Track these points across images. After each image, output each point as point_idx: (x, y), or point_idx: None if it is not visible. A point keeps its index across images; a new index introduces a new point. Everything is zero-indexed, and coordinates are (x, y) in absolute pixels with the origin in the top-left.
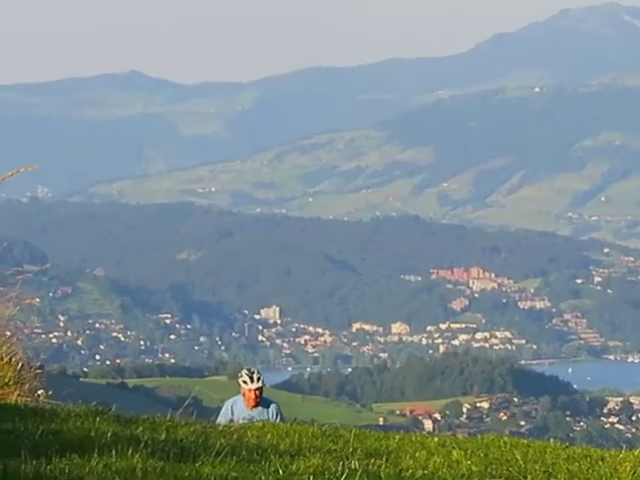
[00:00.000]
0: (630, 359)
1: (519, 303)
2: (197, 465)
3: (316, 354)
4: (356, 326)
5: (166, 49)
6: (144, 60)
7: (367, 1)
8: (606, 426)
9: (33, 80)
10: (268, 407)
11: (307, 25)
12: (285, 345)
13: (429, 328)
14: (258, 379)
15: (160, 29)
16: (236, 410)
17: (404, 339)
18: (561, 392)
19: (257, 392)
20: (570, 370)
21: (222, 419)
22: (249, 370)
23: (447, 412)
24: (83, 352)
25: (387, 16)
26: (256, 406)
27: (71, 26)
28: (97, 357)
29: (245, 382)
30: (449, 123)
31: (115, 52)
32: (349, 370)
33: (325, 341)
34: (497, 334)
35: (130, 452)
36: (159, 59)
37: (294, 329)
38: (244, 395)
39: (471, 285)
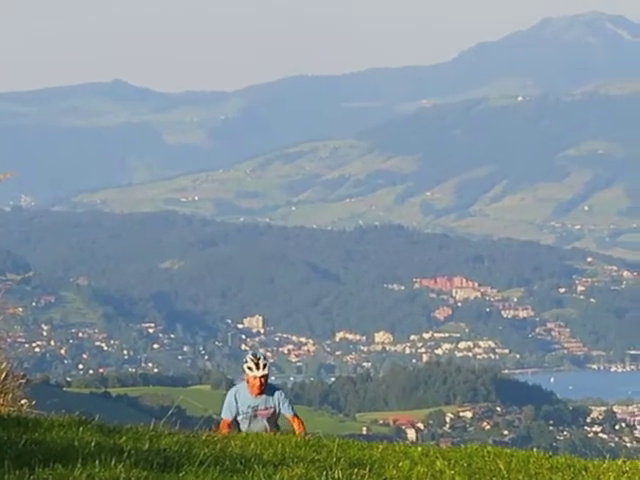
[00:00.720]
0: (613, 368)
1: (502, 312)
2: (180, 475)
3: (299, 363)
4: (339, 335)
5: (150, 58)
6: (128, 69)
7: (351, 10)
8: (589, 435)
9: (17, 89)
10: (273, 394)
11: (291, 34)
12: (268, 354)
13: (412, 337)
14: (264, 366)
15: (144, 38)
16: (240, 399)
17: (387, 348)
18: (544, 401)
19: (262, 379)
20: (552, 379)
21: (227, 411)
22: (254, 356)
23: (430, 422)
24: (66, 361)
25: (371, 25)
26: (260, 394)
27: (55, 34)
28: (80, 366)
29: (250, 369)
30: (432, 132)
31: (99, 61)
32: (332, 379)
33: (308, 350)
34: (480, 343)
35: (113, 462)
36: (143, 68)
37: (277, 338)
38: (248, 382)
39: (454, 294)
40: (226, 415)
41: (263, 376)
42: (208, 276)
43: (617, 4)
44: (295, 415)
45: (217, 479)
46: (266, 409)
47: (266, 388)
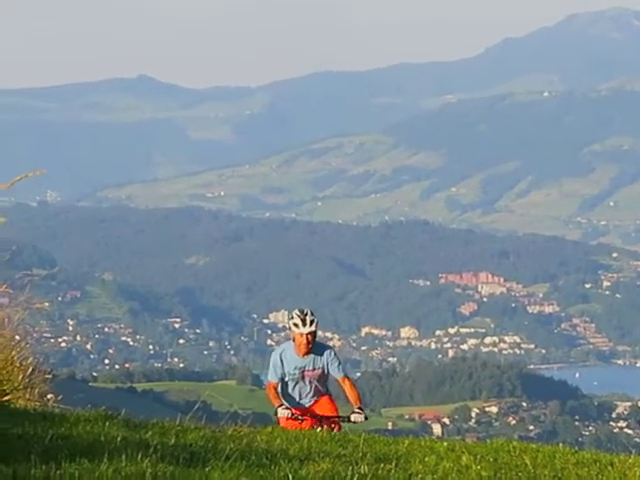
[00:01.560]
0: (639, 364)
1: (528, 308)
2: (207, 470)
3: None
4: (365, 330)
5: (175, 54)
6: (153, 65)
7: (376, 6)
8: (615, 431)
9: (43, 84)
10: (322, 354)
11: (316, 29)
12: None
13: (438, 332)
14: (312, 322)
15: (169, 34)
16: (285, 359)
17: (413, 344)
18: (570, 397)
19: (309, 337)
20: (577, 374)
21: (273, 372)
22: (301, 311)
23: (456, 417)
24: (92, 356)
25: (396, 20)
26: (308, 353)
27: (81, 30)
28: (106, 361)
29: (296, 325)
30: (458, 127)
31: (124, 57)
32: (358, 374)
33: (334, 345)
34: (506, 339)
35: (140, 457)
36: (168, 64)
37: None
38: (294, 340)
39: (480, 290)
40: (272, 377)
41: (310, 333)
42: (234, 271)
43: None
44: (345, 376)
45: (243, 474)
46: (314, 370)
47: (314, 347)
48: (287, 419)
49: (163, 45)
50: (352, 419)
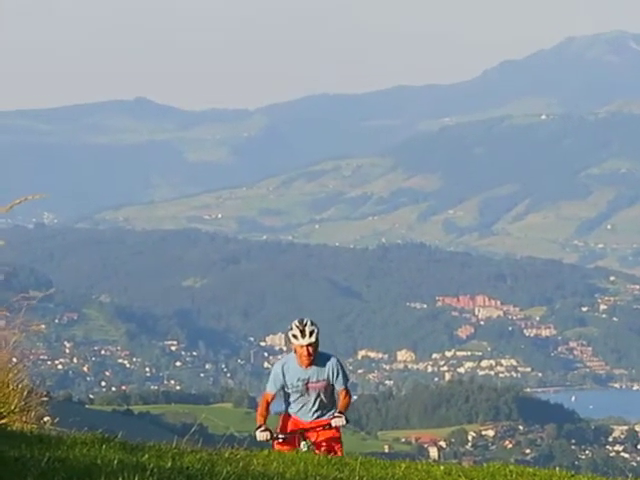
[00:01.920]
0: (635, 387)
1: (525, 331)
2: None
3: None
4: (362, 353)
5: (173, 76)
6: (151, 87)
7: (374, 28)
8: (611, 454)
9: (40, 106)
10: (325, 364)
11: (314, 52)
12: None
13: (435, 356)
14: (311, 333)
15: (167, 55)
16: (288, 372)
17: (410, 367)
18: (566, 420)
19: (310, 349)
20: (573, 398)
21: (272, 384)
22: (300, 322)
23: (452, 440)
24: (89, 379)
25: (393, 43)
26: (311, 364)
27: (78, 52)
28: (103, 384)
29: (295, 337)
30: (455, 150)
31: (122, 79)
32: (354, 397)
33: None
34: (503, 362)
35: None
36: (165, 86)
37: None
38: (296, 352)
39: (477, 313)
40: (270, 388)
41: (310, 344)
42: (231, 294)
43: None
44: (345, 388)
45: None
46: (318, 381)
47: (317, 358)
48: (267, 441)
49: (160, 67)
50: (333, 424)
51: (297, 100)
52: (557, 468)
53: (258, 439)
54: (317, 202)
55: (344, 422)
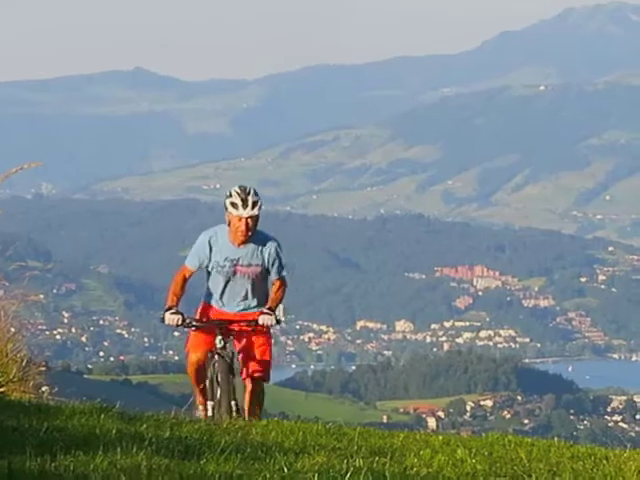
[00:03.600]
0: (634, 358)
1: (523, 301)
2: (202, 463)
3: (320, 352)
4: (360, 324)
5: (171, 46)
6: (149, 57)
7: None
8: (610, 424)
9: (38, 77)
10: (263, 245)
11: (313, 22)
12: (289, 342)
13: (433, 326)
14: (254, 204)
15: (165, 26)
16: (216, 246)
17: (408, 337)
18: (565, 390)
19: (249, 222)
20: (570, 368)
21: (194, 257)
22: (242, 189)
23: (451, 410)
24: (87, 349)
25: (393, 14)
26: (245, 243)
27: (75, 22)
28: (101, 354)
29: (234, 205)
30: (455, 121)
31: (120, 49)
32: (353, 368)
33: (329, 338)
34: (501, 332)
35: (135, 449)
36: (164, 56)
37: (298, 326)
38: (230, 225)
39: (475, 283)
40: (191, 262)
41: (251, 217)
42: None
43: None
44: (280, 278)
45: (238, 467)
46: (250, 265)
47: (255, 236)
48: (177, 326)
49: (159, 37)
50: (260, 322)
51: (296, 70)
52: (555, 438)
53: (166, 322)
54: (315, 173)
55: (273, 322)
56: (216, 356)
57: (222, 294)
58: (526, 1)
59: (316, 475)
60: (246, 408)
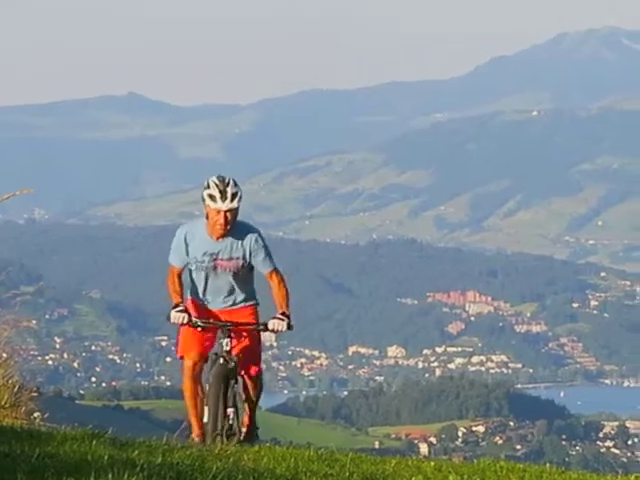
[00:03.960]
0: (626, 383)
1: (515, 327)
2: None
3: (312, 377)
4: (352, 349)
5: (165, 72)
6: (143, 82)
7: (366, 24)
8: (602, 450)
9: (32, 102)
10: (244, 237)
11: (306, 47)
12: (281, 368)
13: (425, 351)
14: (233, 196)
15: (158, 50)
16: (193, 242)
17: (400, 362)
18: (557, 416)
19: (228, 215)
20: (562, 394)
21: (175, 255)
22: (220, 180)
23: (443, 436)
24: (79, 374)
25: (386, 39)
26: (224, 236)
27: (69, 47)
28: (93, 379)
29: (212, 197)
30: (447, 146)
31: (113, 74)
32: (345, 393)
33: (321, 364)
34: (493, 358)
35: (127, 476)
36: (158, 81)
37: (290, 352)
38: (207, 218)
39: (467, 309)
40: (174, 261)
41: (230, 211)
42: None
43: (633, 19)
44: (274, 270)
45: None
46: (231, 259)
47: (234, 229)
48: (182, 325)
49: (153, 62)
50: (270, 327)
51: (289, 95)
52: (548, 464)
53: (172, 320)
54: (308, 198)
55: (284, 328)
56: (221, 359)
57: (205, 290)
58: (519, 26)
59: None
60: (247, 408)
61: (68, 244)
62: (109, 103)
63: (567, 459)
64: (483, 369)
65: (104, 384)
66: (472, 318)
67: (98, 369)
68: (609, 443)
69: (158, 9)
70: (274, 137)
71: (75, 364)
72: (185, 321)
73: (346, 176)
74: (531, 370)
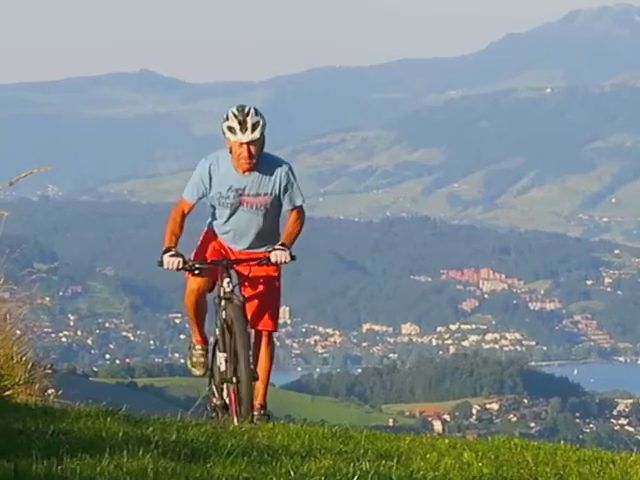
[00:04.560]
0: None
1: (529, 304)
2: (208, 466)
3: (326, 354)
4: (366, 326)
5: (177, 48)
6: (155, 59)
7: (379, 1)
8: (616, 428)
9: (44, 79)
10: (273, 170)
11: (319, 24)
12: (295, 345)
13: (439, 329)
14: (254, 126)
15: (171, 27)
16: (217, 175)
17: (414, 340)
18: (571, 393)
19: (251, 148)
20: (575, 371)
21: (193, 188)
22: (240, 109)
23: (456, 413)
24: (93, 351)
25: (399, 16)
26: (250, 170)
27: (82, 23)
28: (107, 356)
29: (231, 129)
30: (460, 123)
31: (126, 50)
32: (359, 371)
33: (335, 341)
34: (507, 335)
35: (141, 452)
36: (170, 58)
37: (304, 329)
38: (231, 152)
39: (481, 286)
40: (188, 195)
41: (252, 142)
42: None
43: None
44: (296, 207)
45: (245, 470)
46: (258, 195)
47: (262, 162)
48: (177, 270)
49: (165, 39)
50: (272, 259)
51: (301, 73)
52: (562, 441)
53: (164, 266)
54: (321, 175)
55: (287, 258)
56: (224, 301)
57: (226, 229)
58: (532, 3)
59: (323, 478)
60: (262, 366)
61: (81, 221)
62: (121, 80)
63: (581, 436)
64: (497, 346)
65: (118, 361)
66: (486, 295)
67: (112, 346)
68: (623, 421)
69: None
70: (287, 114)
71: (89, 341)
72: (180, 266)
73: (359, 153)
74: (545, 348)
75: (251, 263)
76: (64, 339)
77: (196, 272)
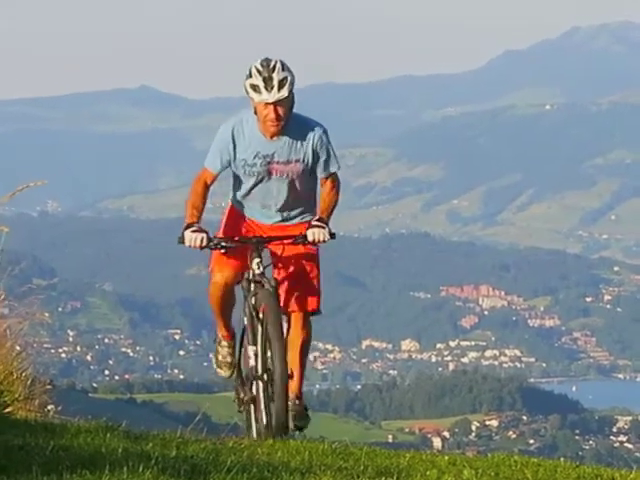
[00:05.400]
0: (639, 378)
1: (529, 321)
2: None
3: (325, 371)
4: (365, 343)
5: (176, 64)
6: (154, 75)
7: (378, 18)
8: (615, 445)
9: (44, 94)
10: (305, 134)
11: (318, 40)
12: None
13: (439, 345)
14: (281, 83)
15: (171, 44)
16: (242, 140)
17: (414, 356)
18: (570, 410)
19: (279, 109)
20: (574, 388)
21: (216, 157)
22: (265, 64)
23: (456, 430)
24: (92, 367)
25: (398, 33)
26: (279, 134)
27: (82, 39)
28: (106, 372)
29: (255, 88)
30: (459, 140)
31: (125, 67)
32: (358, 387)
33: (334, 357)
34: (506, 352)
35: (141, 468)
36: (169, 74)
37: None
38: (257, 114)
39: (481, 302)
40: (210, 163)
41: (279, 102)
42: None
43: None
44: (331, 175)
45: None
46: (289, 162)
47: (292, 125)
48: (201, 248)
49: (164, 56)
50: (309, 237)
51: (300, 89)
52: (561, 458)
53: (186, 243)
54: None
55: (326, 236)
56: (254, 285)
57: (253, 202)
58: (531, 20)
59: None
60: (296, 354)
61: (80, 237)
62: (121, 96)
63: (580, 453)
64: (496, 363)
65: (117, 377)
66: (485, 312)
67: (111, 362)
68: (622, 438)
69: (170, 2)
70: None
71: (88, 357)
72: (204, 243)
73: (359, 169)
74: (544, 364)
75: (285, 241)
76: (63, 355)
77: (222, 251)
